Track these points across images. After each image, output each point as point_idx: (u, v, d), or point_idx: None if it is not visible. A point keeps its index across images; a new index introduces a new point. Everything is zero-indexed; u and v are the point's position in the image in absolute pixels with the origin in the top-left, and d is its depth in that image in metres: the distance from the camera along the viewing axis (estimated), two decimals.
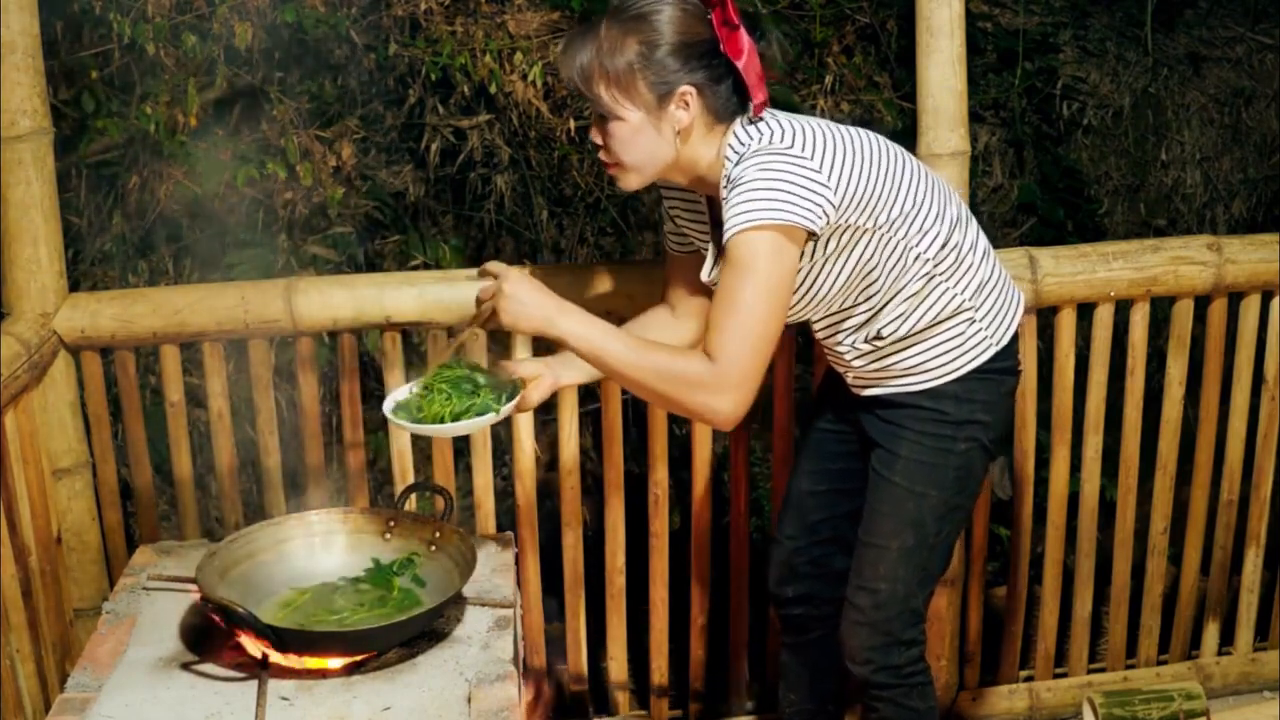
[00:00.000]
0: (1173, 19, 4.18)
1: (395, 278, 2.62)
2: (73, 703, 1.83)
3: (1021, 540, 2.87)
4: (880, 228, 2.04)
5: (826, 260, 2.06)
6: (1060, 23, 4.10)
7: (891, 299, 2.11)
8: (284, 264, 3.32)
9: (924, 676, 2.29)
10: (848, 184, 1.98)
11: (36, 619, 2.37)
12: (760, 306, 1.92)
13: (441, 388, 2.08)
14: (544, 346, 2.57)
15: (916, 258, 2.08)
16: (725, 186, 1.99)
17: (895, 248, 2.07)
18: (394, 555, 2.12)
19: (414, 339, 2.74)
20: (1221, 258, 2.72)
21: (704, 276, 2.16)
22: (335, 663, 1.90)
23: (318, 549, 2.16)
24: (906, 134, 2.71)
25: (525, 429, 2.67)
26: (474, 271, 2.63)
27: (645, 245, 3.68)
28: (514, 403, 2.08)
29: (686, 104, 1.99)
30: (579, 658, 2.86)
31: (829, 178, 1.96)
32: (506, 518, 2.79)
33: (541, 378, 2.19)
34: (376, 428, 3.15)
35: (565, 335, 1.98)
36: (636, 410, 3.29)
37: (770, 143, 1.97)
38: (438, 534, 2.12)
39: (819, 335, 2.23)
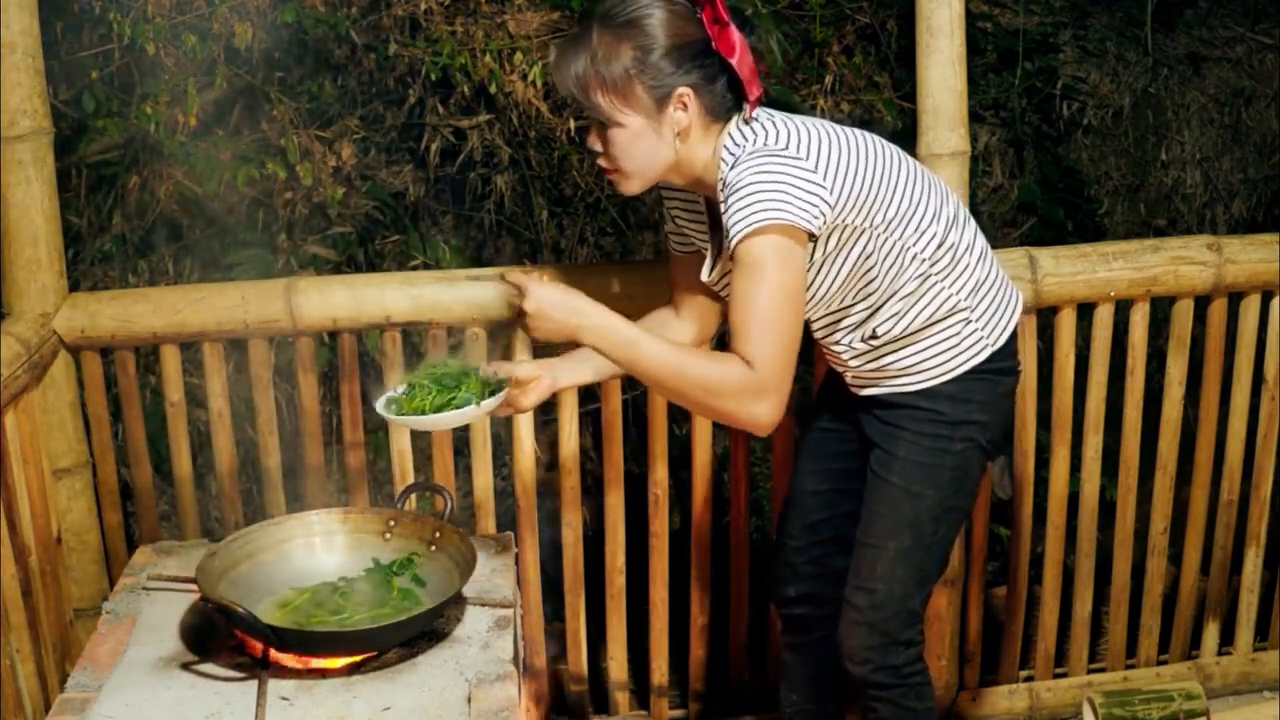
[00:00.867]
0: (1173, 19, 4.18)
1: (395, 278, 2.62)
2: (73, 703, 1.83)
3: (1021, 540, 2.87)
4: (877, 227, 2.04)
5: (825, 260, 2.06)
6: (1060, 23, 4.10)
7: (888, 299, 2.11)
8: (284, 264, 3.32)
9: (922, 677, 2.30)
10: (843, 184, 1.98)
11: (36, 619, 2.37)
12: (778, 307, 1.91)
13: (425, 383, 2.09)
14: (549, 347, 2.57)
15: (914, 257, 2.09)
16: (722, 190, 1.99)
17: (892, 247, 2.07)
18: (394, 555, 2.12)
19: (414, 339, 2.74)
20: (1221, 258, 2.72)
21: (703, 276, 2.16)
22: (335, 663, 1.90)
23: (318, 549, 2.16)
24: (906, 134, 2.71)
25: (525, 429, 2.68)
26: (474, 272, 2.64)
27: (645, 245, 3.68)
28: (497, 399, 2.07)
29: (684, 105, 1.99)
30: (579, 658, 2.86)
31: (824, 178, 1.96)
32: (506, 518, 2.79)
33: (539, 380, 2.19)
34: (376, 428, 3.15)
35: (595, 344, 1.96)
36: (636, 410, 3.29)
37: (764, 144, 1.97)
38: (438, 534, 2.11)
39: (817, 335, 2.23)
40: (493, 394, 2.07)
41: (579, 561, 2.79)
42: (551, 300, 1.95)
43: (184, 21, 3.25)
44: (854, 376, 2.23)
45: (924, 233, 2.08)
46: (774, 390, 1.91)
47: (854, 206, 2.01)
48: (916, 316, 2.12)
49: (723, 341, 2.12)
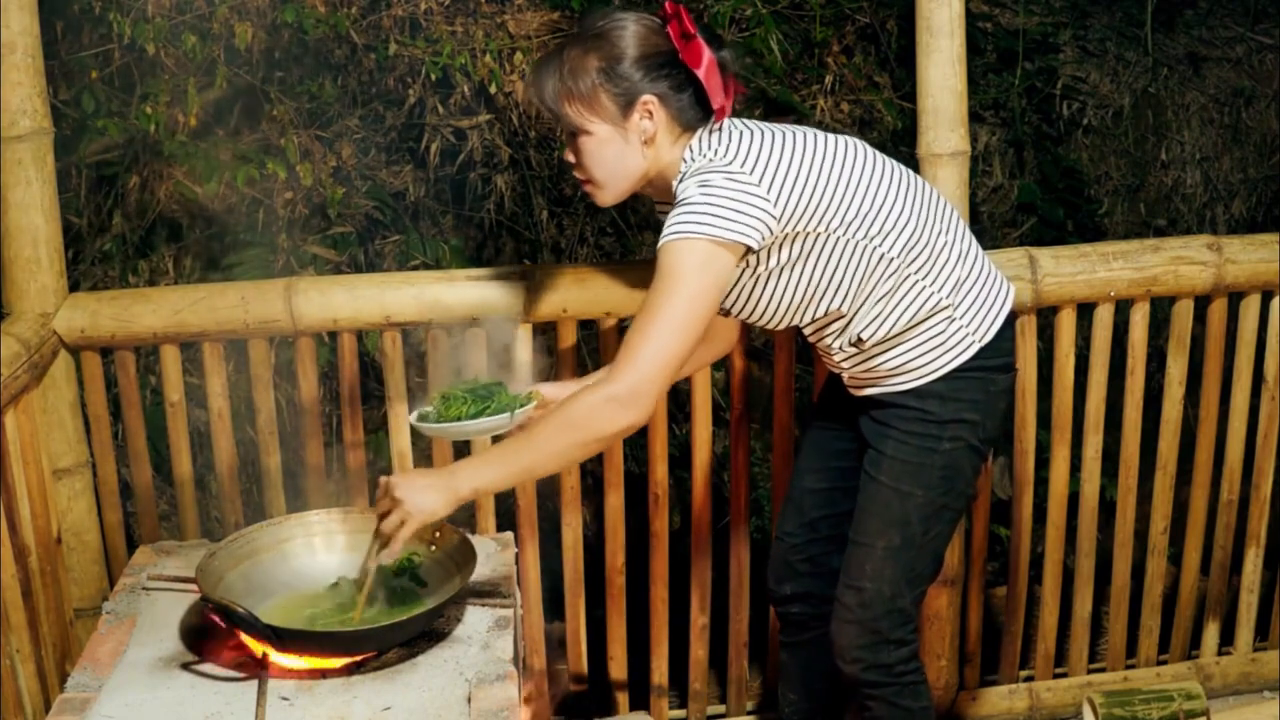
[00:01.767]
0: (1173, 19, 4.18)
1: (395, 278, 2.62)
2: (73, 703, 1.83)
3: (1021, 540, 2.87)
4: (834, 232, 2.06)
5: (785, 267, 2.08)
6: (1060, 23, 4.10)
7: (864, 301, 2.12)
8: (284, 264, 3.32)
9: (917, 675, 2.29)
10: (790, 194, 2.02)
11: (36, 619, 2.37)
12: (676, 319, 1.95)
13: (460, 395, 2.15)
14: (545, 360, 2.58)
15: (881, 258, 2.10)
16: (674, 198, 2.05)
17: (855, 250, 2.08)
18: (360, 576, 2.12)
19: (414, 339, 2.74)
20: (1221, 258, 2.72)
21: None
22: (335, 663, 1.90)
23: (318, 549, 2.16)
24: (906, 134, 2.72)
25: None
26: (474, 272, 2.64)
27: (645, 245, 3.68)
28: (528, 409, 2.14)
29: (650, 113, 2.05)
30: (579, 658, 2.86)
31: (769, 191, 2.00)
32: (506, 518, 2.79)
33: (560, 400, 2.21)
34: (376, 428, 3.15)
35: (476, 486, 1.99)
36: None
37: (711, 160, 2.02)
38: (438, 534, 2.12)
39: (810, 339, 2.25)
40: (522, 406, 2.14)
41: (579, 561, 2.79)
42: (410, 480, 1.98)
43: (184, 21, 3.25)
44: (849, 377, 2.25)
45: (889, 233, 2.09)
46: (639, 394, 1.94)
47: (804, 214, 2.04)
48: (899, 318, 2.13)
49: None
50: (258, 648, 1.90)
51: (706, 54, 2.04)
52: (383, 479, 2.02)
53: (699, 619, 2.86)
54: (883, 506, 2.21)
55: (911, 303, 2.13)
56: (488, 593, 2.09)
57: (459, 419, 2.11)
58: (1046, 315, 2.74)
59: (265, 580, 2.08)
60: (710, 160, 2.02)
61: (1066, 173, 3.92)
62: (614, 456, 2.72)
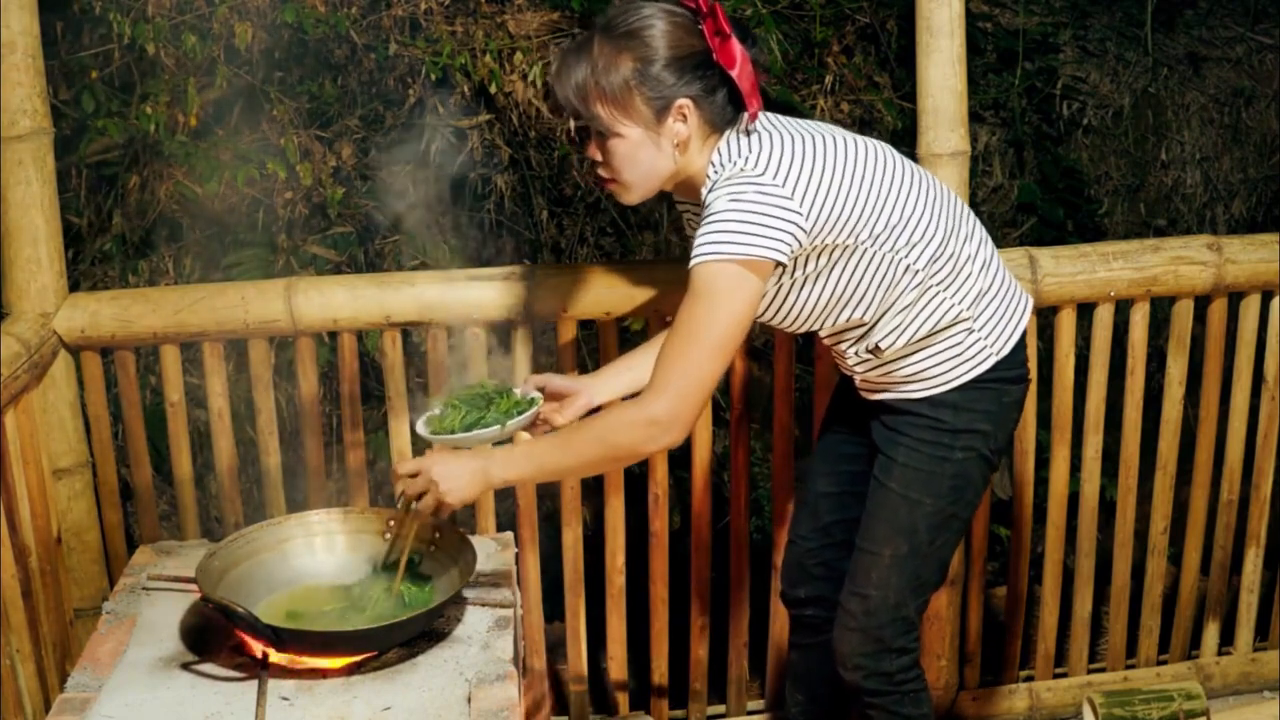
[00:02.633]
0: (1173, 19, 4.18)
1: (395, 278, 2.62)
2: (73, 703, 1.83)
3: (1021, 540, 2.87)
4: (863, 244, 2.03)
5: (808, 279, 2.06)
6: (1060, 23, 4.10)
7: (886, 311, 2.10)
8: (284, 264, 3.32)
9: (917, 684, 2.28)
10: (822, 206, 1.98)
11: (36, 619, 2.37)
12: (711, 341, 1.93)
13: (456, 404, 2.15)
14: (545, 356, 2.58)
15: (906, 269, 2.07)
16: (703, 207, 2.00)
17: (882, 261, 2.06)
18: (394, 556, 2.12)
19: (414, 339, 2.74)
20: (1221, 258, 2.72)
21: None
22: (335, 663, 1.90)
23: (318, 549, 2.16)
24: (906, 134, 2.72)
25: (525, 430, 2.67)
26: (474, 272, 2.64)
27: (645, 245, 3.68)
28: (523, 418, 2.12)
29: (684, 116, 2.00)
30: (579, 658, 2.86)
31: (800, 203, 1.96)
32: (506, 518, 2.79)
33: (575, 396, 2.22)
34: (376, 428, 3.15)
35: (508, 476, 2.01)
36: None
37: (744, 169, 1.97)
38: (438, 534, 2.12)
39: (826, 343, 2.23)
40: (520, 413, 2.12)
41: (579, 561, 2.79)
42: (447, 461, 2.00)
43: (184, 21, 3.25)
44: (862, 381, 2.23)
45: (916, 245, 2.07)
46: (678, 415, 1.94)
47: (835, 227, 2.00)
48: (919, 328, 2.11)
49: None
50: (258, 648, 1.90)
51: (740, 54, 1.99)
52: (416, 460, 2.02)
53: (699, 619, 2.86)
54: (891, 513, 2.19)
55: (932, 314, 2.11)
56: (488, 593, 2.09)
57: (452, 431, 2.10)
58: (1046, 315, 2.74)
59: (265, 580, 2.08)
60: (741, 169, 1.97)
61: (1066, 173, 3.92)
62: None
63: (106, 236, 3.40)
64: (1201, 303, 2.78)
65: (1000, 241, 3.77)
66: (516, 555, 2.27)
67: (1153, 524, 2.91)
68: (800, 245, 1.98)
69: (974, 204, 3.63)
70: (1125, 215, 4.06)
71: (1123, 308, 2.76)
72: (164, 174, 3.38)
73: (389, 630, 1.91)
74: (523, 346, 2.62)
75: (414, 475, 2.01)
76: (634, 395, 2.37)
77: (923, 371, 2.14)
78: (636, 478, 2.91)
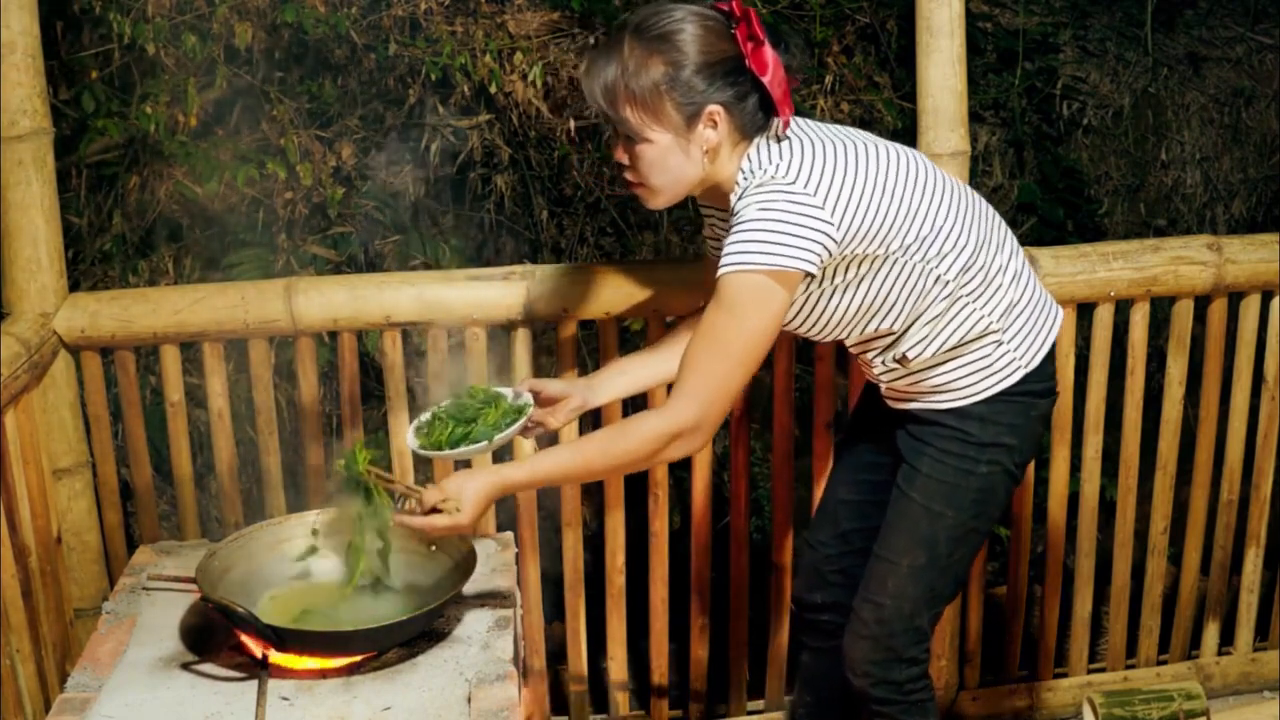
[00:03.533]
0: (1173, 19, 4.18)
1: (395, 278, 2.62)
2: (73, 703, 1.83)
3: (1021, 540, 2.87)
4: (894, 254, 2.01)
5: (838, 288, 2.04)
6: (1060, 23, 4.09)
7: (914, 321, 2.08)
8: (284, 264, 3.32)
9: (925, 694, 2.27)
10: (854, 217, 1.95)
11: (36, 619, 2.37)
12: (737, 348, 1.92)
13: (444, 415, 2.13)
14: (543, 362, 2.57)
15: (937, 280, 2.05)
16: (731, 215, 1.97)
17: (913, 272, 2.04)
18: (394, 555, 2.12)
19: (414, 339, 2.74)
20: (1221, 258, 2.72)
21: None
22: (335, 663, 1.90)
23: (318, 549, 2.16)
24: (906, 134, 2.72)
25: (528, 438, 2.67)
26: (474, 272, 2.64)
27: (645, 245, 3.67)
28: (511, 431, 2.10)
29: (715, 123, 1.96)
30: (579, 658, 2.86)
31: (832, 214, 1.93)
32: (506, 518, 2.79)
33: (569, 399, 2.21)
34: (376, 428, 3.15)
35: (521, 480, 1.99)
36: (636, 409, 3.29)
37: (775, 176, 1.94)
38: None
39: (852, 351, 2.21)
40: (509, 424, 2.10)
41: (579, 561, 2.79)
42: (455, 479, 1.97)
43: (184, 21, 3.25)
44: (888, 389, 2.22)
45: (946, 255, 2.05)
46: (702, 424, 1.94)
47: (866, 237, 1.98)
48: (947, 339, 2.09)
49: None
50: (258, 648, 1.90)
51: (773, 60, 1.96)
52: (424, 494, 1.98)
53: (699, 619, 2.86)
54: (911, 524, 2.17)
55: (961, 324, 2.09)
56: (488, 593, 2.09)
57: (440, 446, 2.09)
58: None
59: (265, 580, 2.08)
60: (771, 177, 1.94)
61: (1066, 173, 3.91)
62: None
63: (106, 236, 3.40)
64: (1201, 303, 2.78)
65: None
66: (516, 555, 2.27)
67: (1153, 524, 2.91)
68: (830, 255, 1.95)
69: None
70: (1125, 215, 4.06)
71: (1123, 308, 2.76)
72: (164, 174, 3.38)
73: (389, 630, 1.91)
74: (523, 347, 2.62)
75: (432, 492, 1.98)
76: (631, 397, 2.38)
77: (950, 383, 2.13)
78: (636, 478, 2.91)
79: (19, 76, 2.42)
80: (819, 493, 2.67)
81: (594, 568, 2.82)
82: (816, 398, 2.76)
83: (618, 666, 2.89)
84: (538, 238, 3.61)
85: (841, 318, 2.08)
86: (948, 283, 2.06)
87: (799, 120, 2.05)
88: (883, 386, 2.22)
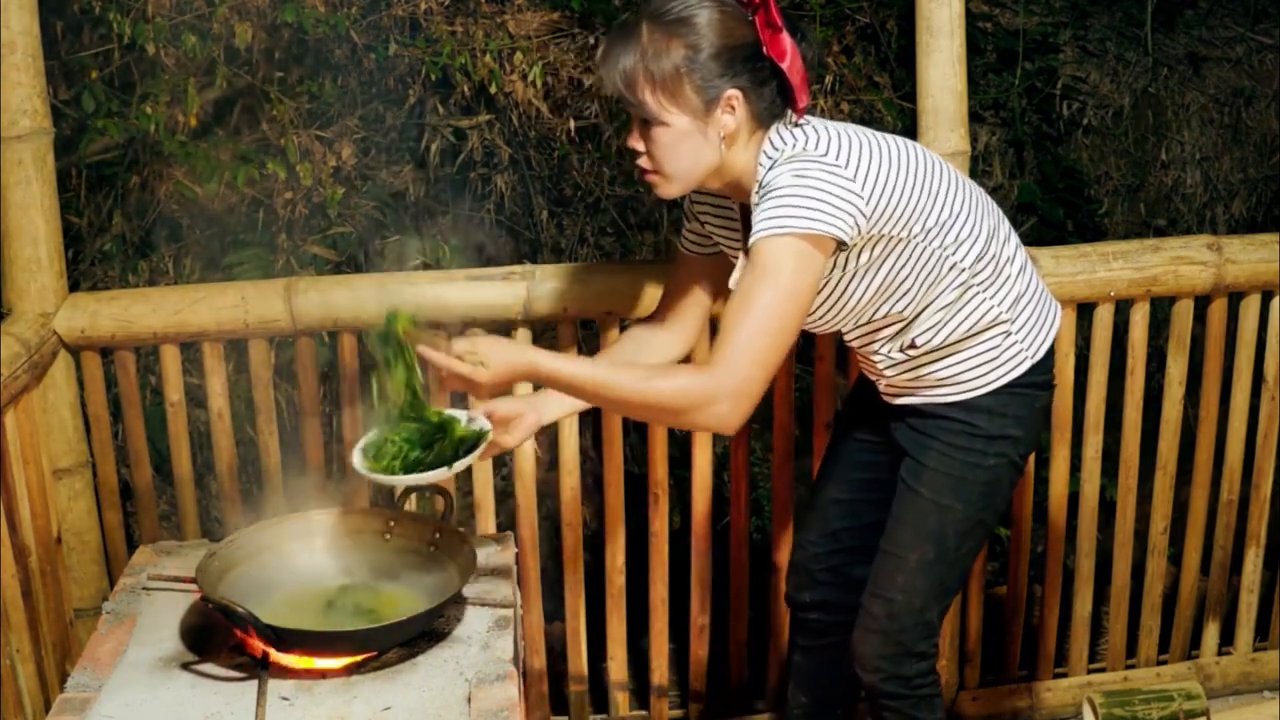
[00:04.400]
0: (1173, 19, 4.18)
1: (395, 278, 2.62)
2: (73, 703, 1.83)
3: (1021, 540, 2.87)
4: (915, 237, 2.02)
5: (862, 270, 2.03)
6: (1060, 23, 4.09)
7: (926, 308, 2.08)
8: (284, 264, 3.32)
9: (933, 688, 2.27)
10: (882, 194, 1.96)
11: (36, 619, 2.37)
12: (775, 314, 1.88)
13: (395, 440, 2.04)
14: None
15: (952, 267, 2.06)
16: (757, 192, 1.96)
17: (930, 257, 2.04)
18: (394, 555, 2.12)
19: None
20: (1221, 258, 2.72)
21: (731, 284, 2.08)
22: (335, 663, 1.90)
23: (318, 549, 2.16)
24: (906, 134, 2.71)
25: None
26: (474, 271, 2.64)
27: (645, 245, 3.67)
28: (472, 456, 2.02)
29: (733, 108, 1.96)
30: (579, 658, 2.86)
31: (863, 187, 1.93)
32: (506, 518, 2.79)
33: (523, 416, 2.14)
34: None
35: (553, 373, 1.93)
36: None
37: (805, 149, 1.94)
38: (438, 534, 2.12)
39: (853, 344, 2.21)
40: (468, 452, 2.03)
41: (579, 561, 2.79)
42: (495, 342, 1.94)
43: (184, 21, 3.25)
44: (888, 385, 2.21)
45: (963, 243, 2.05)
46: (739, 395, 1.88)
47: (892, 217, 1.98)
48: (957, 328, 2.09)
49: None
50: (258, 648, 1.90)
51: (791, 47, 1.96)
52: (466, 345, 1.94)
53: (699, 619, 2.86)
54: (919, 518, 2.17)
55: (971, 314, 2.09)
56: (488, 593, 2.09)
57: (392, 471, 2.01)
58: None
59: (265, 580, 2.08)
60: (804, 149, 1.94)
61: (1066, 173, 3.91)
62: (614, 456, 2.72)
63: (106, 236, 3.40)
64: (1201, 303, 2.78)
65: None
66: (516, 555, 2.27)
67: (1153, 524, 2.91)
68: (860, 231, 1.94)
69: None
70: (1125, 215, 4.06)
71: (1123, 308, 2.76)
72: (164, 174, 3.38)
73: (389, 630, 1.91)
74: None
75: (466, 364, 1.93)
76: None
77: (957, 375, 2.13)
78: (636, 478, 2.91)
79: (19, 76, 2.42)
80: None
81: (594, 568, 2.82)
82: (816, 398, 2.76)
83: (618, 666, 2.89)
84: (538, 238, 3.61)
85: (856, 301, 2.08)
86: (963, 270, 2.06)
87: (808, 116, 2.05)
88: (882, 383, 2.22)
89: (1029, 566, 2.90)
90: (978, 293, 2.09)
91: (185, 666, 1.91)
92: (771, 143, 1.99)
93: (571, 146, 3.54)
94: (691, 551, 2.82)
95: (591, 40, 3.53)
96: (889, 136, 2.06)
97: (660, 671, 2.90)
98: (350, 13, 3.39)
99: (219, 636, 1.95)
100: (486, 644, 1.96)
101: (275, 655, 1.89)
